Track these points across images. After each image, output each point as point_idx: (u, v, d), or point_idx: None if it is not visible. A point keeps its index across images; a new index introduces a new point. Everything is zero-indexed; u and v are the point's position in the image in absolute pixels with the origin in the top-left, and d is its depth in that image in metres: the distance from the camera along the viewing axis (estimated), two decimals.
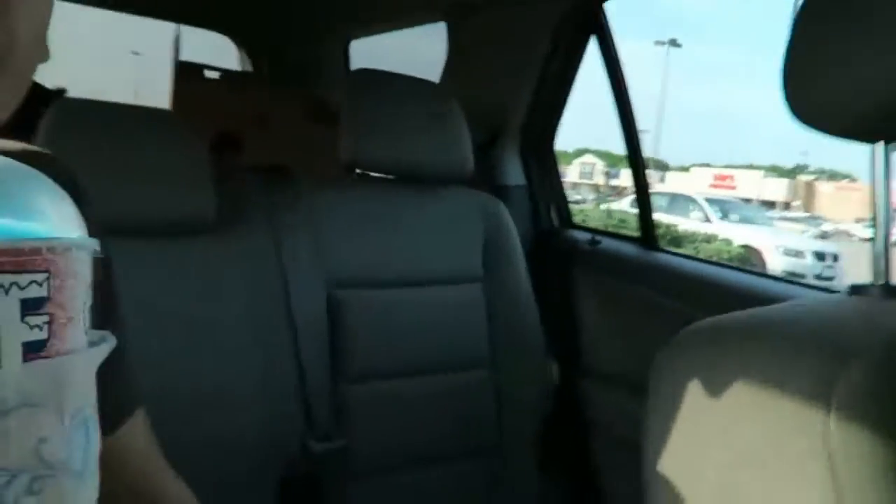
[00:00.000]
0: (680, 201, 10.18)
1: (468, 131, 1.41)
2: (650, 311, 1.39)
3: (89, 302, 0.28)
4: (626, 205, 9.62)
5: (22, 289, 0.24)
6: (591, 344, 1.56)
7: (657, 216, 1.90)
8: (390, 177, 1.38)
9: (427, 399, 1.31)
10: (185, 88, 1.81)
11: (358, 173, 1.36)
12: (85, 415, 0.27)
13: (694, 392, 0.48)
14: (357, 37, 2.35)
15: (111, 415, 0.39)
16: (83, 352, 0.27)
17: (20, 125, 0.36)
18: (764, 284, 1.26)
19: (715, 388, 0.47)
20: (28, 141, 0.39)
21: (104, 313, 0.36)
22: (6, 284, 0.23)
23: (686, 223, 9.18)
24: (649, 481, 0.51)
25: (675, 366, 0.51)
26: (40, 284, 0.24)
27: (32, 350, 0.25)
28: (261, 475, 1.13)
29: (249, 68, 2.70)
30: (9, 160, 0.27)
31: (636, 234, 1.58)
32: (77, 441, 0.26)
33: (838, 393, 0.40)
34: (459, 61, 1.78)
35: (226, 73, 1.98)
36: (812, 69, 0.49)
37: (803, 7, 0.49)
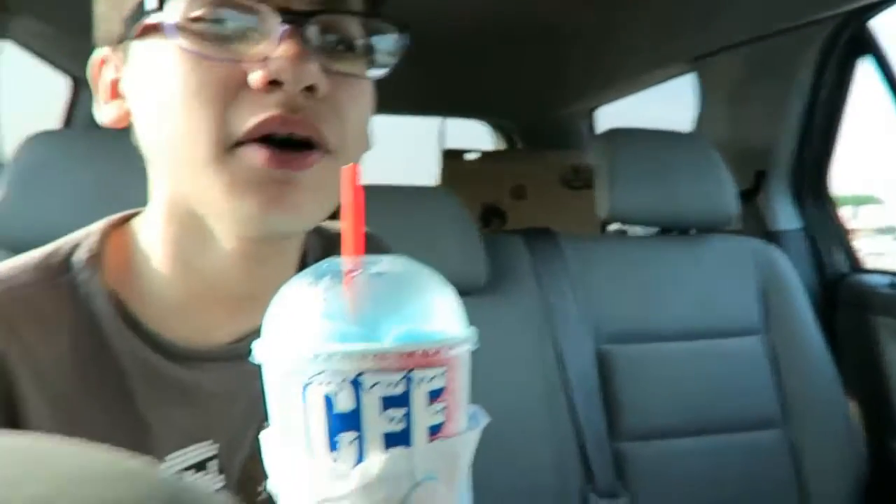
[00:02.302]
0: None
1: (729, 177, 1.36)
2: None
3: (469, 386, 0.33)
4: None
5: (429, 382, 0.30)
6: None
7: None
8: (648, 231, 1.38)
9: (713, 459, 1.23)
10: (450, 171, 2.02)
11: (617, 229, 1.37)
12: (463, 485, 0.32)
13: None
14: (603, 103, 2.41)
15: None
16: (468, 432, 0.32)
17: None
18: None
19: None
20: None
21: None
22: (418, 378, 0.29)
23: None
24: None
25: None
26: (441, 377, 0.30)
27: (434, 432, 0.30)
28: None
29: (503, 146, 2.91)
30: (408, 266, 0.33)
31: None
32: None
33: None
34: (712, 106, 1.73)
35: (484, 153, 2.17)
36: None
37: None
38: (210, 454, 0.51)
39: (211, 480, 0.50)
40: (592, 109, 2.49)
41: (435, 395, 0.30)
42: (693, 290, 1.31)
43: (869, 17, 1.36)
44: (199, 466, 0.50)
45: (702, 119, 1.76)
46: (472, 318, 1.18)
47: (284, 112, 0.41)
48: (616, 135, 1.35)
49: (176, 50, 0.42)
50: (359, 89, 0.46)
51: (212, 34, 0.41)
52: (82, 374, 0.46)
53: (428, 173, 2.35)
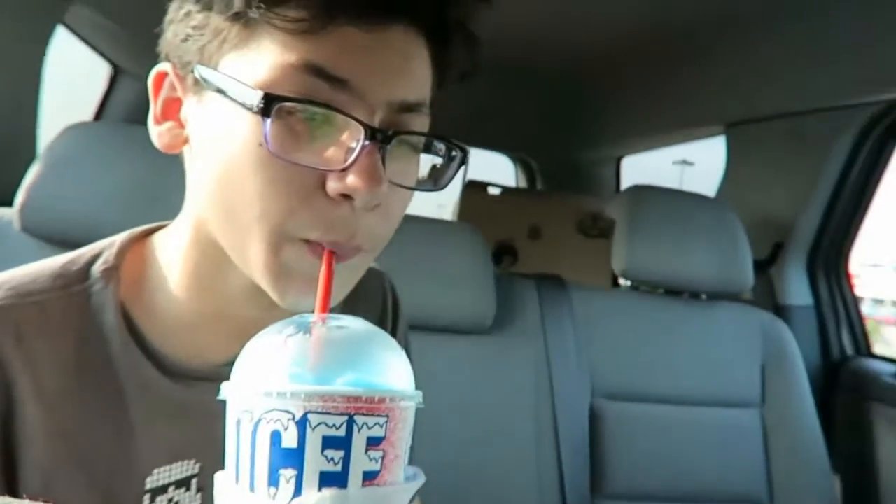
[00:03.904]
0: None
1: (748, 246, 1.36)
2: None
3: (410, 443, 0.34)
4: None
5: (369, 429, 0.31)
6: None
7: None
8: (660, 291, 1.37)
9: None
10: (470, 203, 2.03)
11: (629, 285, 1.37)
12: None
13: None
14: (630, 153, 2.42)
15: None
16: (404, 485, 0.34)
17: None
18: None
19: None
20: None
21: None
22: (360, 423, 0.31)
23: None
24: None
25: None
26: (381, 427, 0.32)
27: (369, 478, 0.32)
28: None
29: (523, 184, 2.92)
30: (366, 327, 0.36)
31: None
32: None
33: None
34: (739, 171, 1.72)
35: (505, 189, 2.17)
36: None
37: None
38: (193, 472, 0.51)
39: (191, 498, 0.51)
40: (620, 157, 2.50)
41: (374, 443, 0.32)
42: (695, 356, 1.31)
43: None
44: (182, 483, 0.51)
45: (727, 183, 1.76)
46: (475, 357, 1.20)
47: (345, 238, 0.43)
48: (639, 192, 1.36)
49: (258, 128, 0.41)
50: (409, 194, 0.47)
51: (297, 131, 0.42)
52: (81, 382, 0.47)
53: (434, 202, 2.36)
